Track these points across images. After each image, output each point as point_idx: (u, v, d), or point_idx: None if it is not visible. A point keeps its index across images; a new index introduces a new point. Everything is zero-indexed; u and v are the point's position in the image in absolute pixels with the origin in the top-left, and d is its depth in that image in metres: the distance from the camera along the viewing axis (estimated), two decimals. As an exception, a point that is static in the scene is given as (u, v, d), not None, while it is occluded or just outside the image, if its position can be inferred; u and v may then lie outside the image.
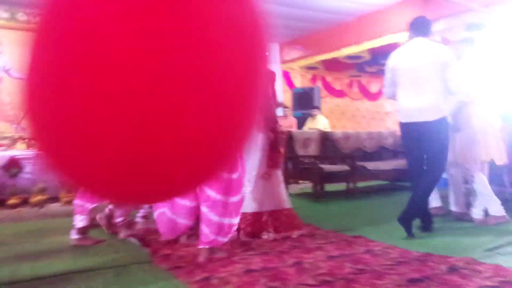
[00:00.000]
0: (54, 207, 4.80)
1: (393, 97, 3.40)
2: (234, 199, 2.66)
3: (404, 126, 3.33)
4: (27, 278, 2.36)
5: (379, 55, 8.65)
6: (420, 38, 3.29)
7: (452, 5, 5.89)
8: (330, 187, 5.96)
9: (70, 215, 4.39)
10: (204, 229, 2.61)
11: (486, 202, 3.58)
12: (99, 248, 3.02)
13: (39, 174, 4.99)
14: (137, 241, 3.13)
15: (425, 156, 3.26)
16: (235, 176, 2.64)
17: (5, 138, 6.43)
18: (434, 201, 3.85)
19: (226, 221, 2.63)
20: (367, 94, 11.44)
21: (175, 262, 2.58)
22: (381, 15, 7.33)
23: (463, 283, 2.10)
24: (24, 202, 4.76)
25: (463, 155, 3.64)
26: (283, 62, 9.62)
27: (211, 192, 2.58)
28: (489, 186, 3.59)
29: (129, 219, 3.45)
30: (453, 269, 2.30)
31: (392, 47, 7.35)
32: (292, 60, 9.54)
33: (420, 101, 3.18)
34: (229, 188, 2.62)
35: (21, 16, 7.03)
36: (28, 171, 4.97)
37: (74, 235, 3.10)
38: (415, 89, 3.21)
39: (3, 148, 5.49)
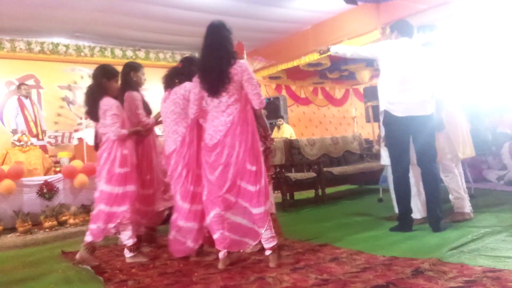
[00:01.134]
0: (10, 238, 4.50)
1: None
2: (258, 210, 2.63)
3: (400, 119, 3.31)
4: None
5: (339, 61, 8.78)
6: (407, 39, 3.44)
7: (403, 8, 6.03)
8: (300, 195, 5.90)
9: (26, 245, 4.18)
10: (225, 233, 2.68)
11: (455, 199, 3.59)
12: (52, 278, 2.80)
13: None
14: (90, 268, 2.94)
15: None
16: (259, 187, 2.64)
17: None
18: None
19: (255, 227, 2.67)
20: (332, 100, 11.56)
21: (130, 289, 2.42)
22: (337, 22, 7.44)
23: (428, 286, 2.04)
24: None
25: (442, 152, 3.63)
26: (246, 73, 9.57)
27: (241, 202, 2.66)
28: (461, 183, 3.62)
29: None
30: (418, 272, 2.24)
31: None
32: (255, 71, 9.48)
33: (416, 96, 3.30)
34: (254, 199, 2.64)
35: None
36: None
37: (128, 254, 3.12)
38: (407, 84, 3.30)
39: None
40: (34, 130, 6.24)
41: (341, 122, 11.69)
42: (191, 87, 2.89)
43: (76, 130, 6.76)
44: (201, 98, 2.75)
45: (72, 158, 6.10)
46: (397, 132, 3.36)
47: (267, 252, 2.64)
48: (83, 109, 7.30)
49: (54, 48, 7.49)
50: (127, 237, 3.13)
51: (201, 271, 2.67)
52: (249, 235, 2.68)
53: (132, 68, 3.56)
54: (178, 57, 8.95)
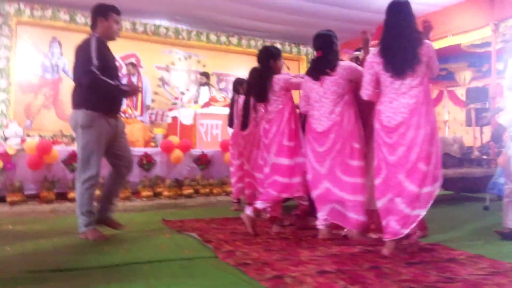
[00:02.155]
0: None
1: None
2: (426, 190, 2.55)
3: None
4: (96, 266, 2.31)
5: (440, 58, 8.22)
6: None
7: None
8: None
9: (126, 210, 4.46)
10: (392, 222, 2.56)
11: None
12: (161, 241, 2.95)
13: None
14: (198, 236, 3.04)
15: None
16: (430, 167, 2.56)
17: (64, 135, 6.65)
18: None
19: (415, 213, 2.55)
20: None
21: (240, 258, 2.44)
22: (442, 16, 6.92)
23: None
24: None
25: None
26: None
27: (408, 184, 2.53)
28: None
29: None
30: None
31: (454, 49, 7.07)
32: (344, 64, 9.27)
33: None
34: (425, 179, 2.55)
35: (79, 18, 7.28)
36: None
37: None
38: None
39: (62, 145, 5.63)
40: (137, 105, 6.65)
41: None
42: (351, 68, 2.96)
43: (170, 109, 7.08)
44: (377, 80, 2.68)
45: (166, 135, 6.41)
46: None
47: (387, 237, 2.56)
48: (178, 89, 7.78)
49: (156, 30, 7.90)
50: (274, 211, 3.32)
51: (306, 253, 2.63)
52: (408, 223, 2.56)
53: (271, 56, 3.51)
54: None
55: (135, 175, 5.25)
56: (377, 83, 2.69)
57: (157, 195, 5.17)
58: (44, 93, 7.24)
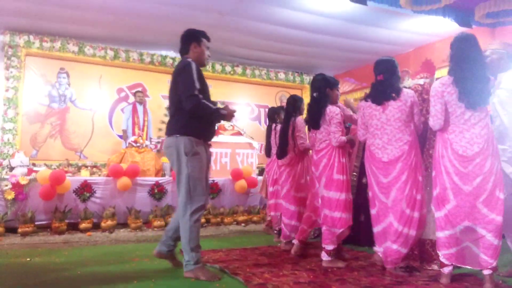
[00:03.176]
0: (123, 232, 4.77)
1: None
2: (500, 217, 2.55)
3: None
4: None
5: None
6: None
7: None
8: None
9: (139, 241, 4.41)
10: (482, 255, 2.54)
11: None
12: (179, 272, 2.91)
13: (109, 199, 5.04)
14: (223, 268, 3.01)
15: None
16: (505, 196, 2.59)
17: (70, 165, 6.63)
18: None
19: (500, 243, 2.55)
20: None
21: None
22: (442, 45, 7.10)
23: None
24: (96, 226, 4.78)
25: None
26: (337, 94, 9.55)
27: (489, 213, 2.54)
28: None
29: None
30: None
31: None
32: (345, 93, 9.46)
33: None
34: (502, 207, 2.55)
35: (88, 49, 7.40)
36: (99, 196, 5.02)
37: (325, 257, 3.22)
38: None
39: (69, 174, 5.60)
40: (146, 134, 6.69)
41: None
42: (411, 95, 2.95)
43: (177, 138, 7.10)
44: (446, 109, 2.71)
45: (173, 164, 6.41)
46: None
47: (486, 272, 2.53)
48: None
49: (162, 60, 8.04)
50: (328, 241, 3.23)
51: (337, 285, 2.61)
52: (497, 254, 2.54)
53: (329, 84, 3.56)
54: (273, 75, 9.18)
55: (146, 204, 5.23)
56: (447, 112, 2.72)
57: (168, 224, 5.11)
58: (51, 122, 7.25)
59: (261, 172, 6.54)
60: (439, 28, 6.59)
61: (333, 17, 6.23)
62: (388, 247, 2.90)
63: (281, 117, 4.47)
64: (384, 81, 3.01)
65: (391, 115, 2.93)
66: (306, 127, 3.80)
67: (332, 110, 3.32)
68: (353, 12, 5.97)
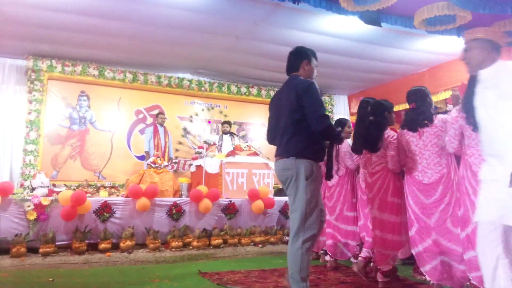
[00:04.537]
0: (142, 253, 4.80)
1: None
2: None
3: None
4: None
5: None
6: None
7: None
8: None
9: (158, 261, 4.43)
10: None
11: None
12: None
13: (128, 219, 5.09)
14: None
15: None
16: None
17: (89, 185, 6.74)
18: None
19: None
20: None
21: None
22: (457, 65, 7.12)
23: None
24: (114, 246, 4.82)
25: None
26: (352, 114, 9.58)
27: None
28: None
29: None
30: None
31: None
32: (355, 113, 9.46)
33: None
34: None
35: (108, 73, 7.62)
36: (118, 217, 5.08)
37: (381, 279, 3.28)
38: None
39: (88, 195, 5.69)
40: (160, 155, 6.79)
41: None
42: (445, 121, 3.03)
43: (194, 158, 7.19)
44: (461, 134, 2.83)
45: (190, 184, 6.46)
46: None
47: None
48: (200, 139, 7.96)
49: (179, 83, 8.21)
50: (382, 262, 3.28)
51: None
52: None
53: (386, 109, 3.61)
54: (286, 95, 9.25)
55: (164, 225, 5.27)
56: (462, 137, 2.83)
57: (186, 245, 5.14)
58: (71, 144, 7.42)
59: (277, 192, 6.54)
60: (454, 48, 6.60)
61: (347, 38, 6.31)
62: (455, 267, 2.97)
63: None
64: (416, 109, 3.19)
65: (428, 141, 3.09)
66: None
67: (390, 135, 3.40)
68: (368, 33, 6.04)
